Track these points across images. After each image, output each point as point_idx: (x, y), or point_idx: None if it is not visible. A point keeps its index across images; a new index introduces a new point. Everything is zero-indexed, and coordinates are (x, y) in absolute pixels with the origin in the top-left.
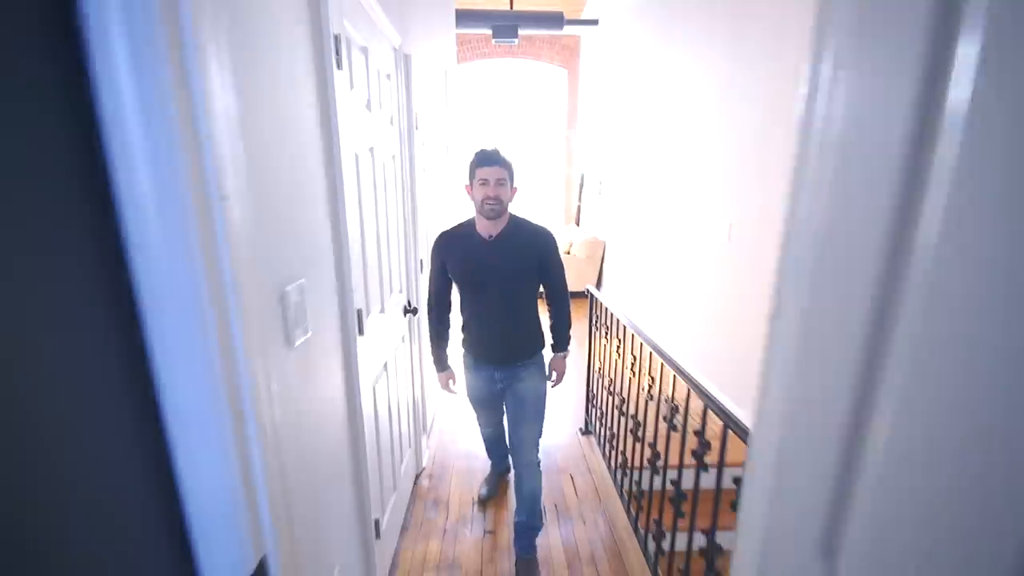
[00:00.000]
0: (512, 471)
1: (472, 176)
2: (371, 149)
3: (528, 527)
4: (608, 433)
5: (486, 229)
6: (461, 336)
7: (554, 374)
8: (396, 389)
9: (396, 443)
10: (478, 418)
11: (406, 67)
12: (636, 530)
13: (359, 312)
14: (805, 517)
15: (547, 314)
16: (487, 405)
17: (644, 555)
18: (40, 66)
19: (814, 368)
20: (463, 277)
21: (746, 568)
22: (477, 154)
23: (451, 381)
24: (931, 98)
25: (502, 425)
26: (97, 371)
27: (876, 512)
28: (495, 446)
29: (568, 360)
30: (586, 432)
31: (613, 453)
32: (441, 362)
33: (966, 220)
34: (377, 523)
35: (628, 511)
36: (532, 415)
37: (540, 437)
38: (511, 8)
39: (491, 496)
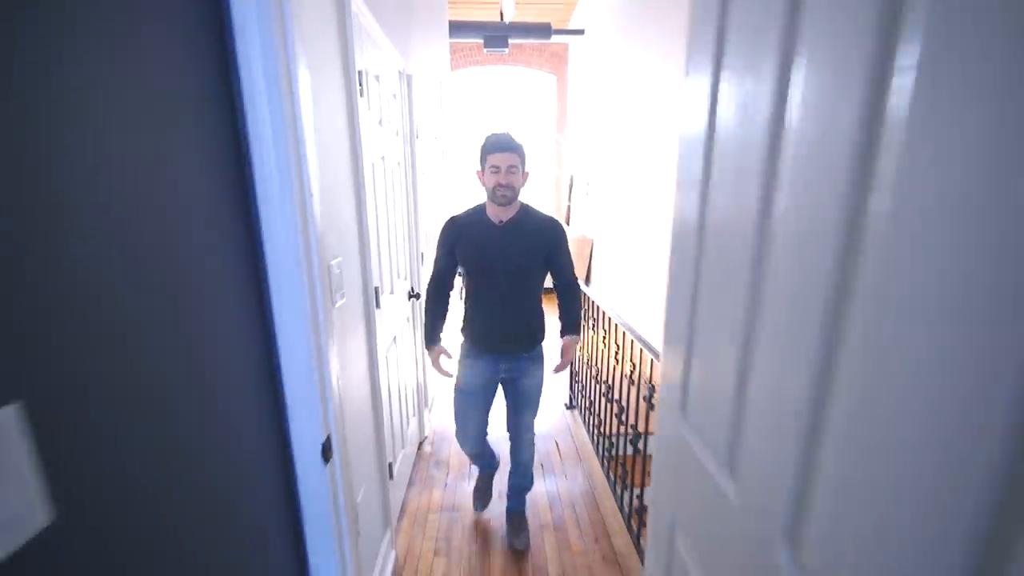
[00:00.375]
0: (501, 460)
1: (483, 162)
2: (383, 158)
3: (520, 487)
4: (589, 406)
5: (497, 214)
6: (463, 325)
7: (562, 357)
8: (402, 361)
9: (403, 407)
10: (462, 420)
11: (408, 87)
12: (611, 483)
13: (376, 289)
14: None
15: (556, 304)
16: (479, 396)
17: (616, 501)
18: (210, 97)
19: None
20: (472, 261)
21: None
22: (488, 139)
23: (443, 356)
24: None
25: (487, 421)
26: (243, 307)
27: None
28: (479, 453)
29: (553, 344)
30: (571, 407)
31: (593, 421)
32: (434, 337)
33: (803, 210)
34: (391, 466)
35: (604, 469)
36: (532, 403)
37: (535, 418)
38: (502, 19)
39: (486, 506)
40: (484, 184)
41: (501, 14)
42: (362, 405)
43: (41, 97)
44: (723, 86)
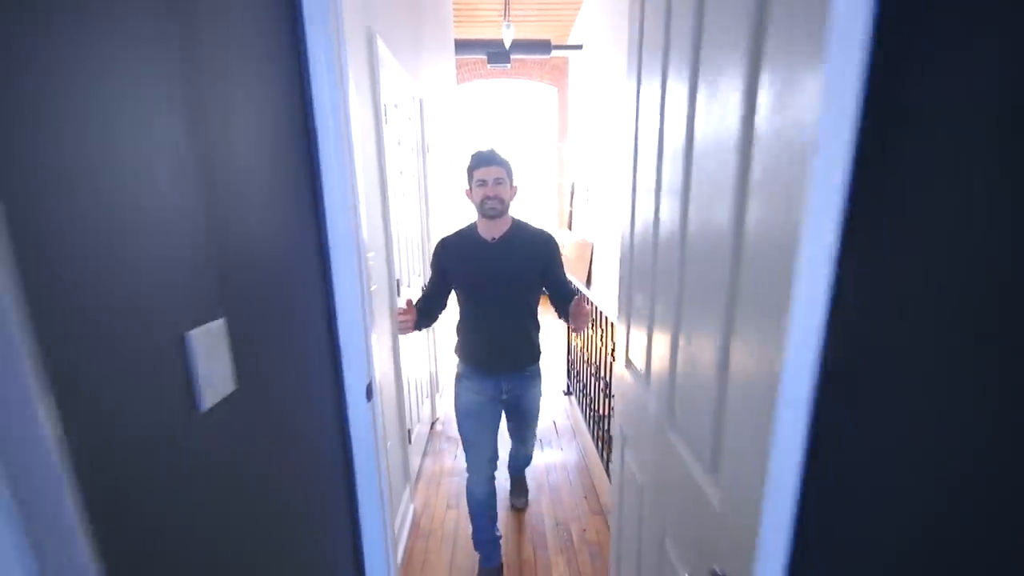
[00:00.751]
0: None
1: (470, 179)
2: (401, 172)
3: (520, 466)
4: (583, 390)
5: (488, 231)
6: (458, 347)
7: (579, 315)
8: (417, 348)
9: (418, 388)
10: (473, 438)
11: (421, 109)
12: (600, 453)
13: (397, 281)
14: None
15: (554, 315)
16: (485, 420)
17: (604, 467)
18: (298, 134)
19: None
20: (466, 280)
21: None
22: (473, 156)
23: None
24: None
25: (496, 450)
26: (317, 280)
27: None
28: (486, 507)
29: (551, 339)
30: (568, 393)
31: (586, 402)
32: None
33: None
34: (409, 432)
35: (596, 443)
36: (533, 419)
37: (535, 429)
38: (503, 47)
39: None
40: (473, 200)
41: (500, 48)
42: (387, 374)
43: (230, 134)
44: (643, 102)
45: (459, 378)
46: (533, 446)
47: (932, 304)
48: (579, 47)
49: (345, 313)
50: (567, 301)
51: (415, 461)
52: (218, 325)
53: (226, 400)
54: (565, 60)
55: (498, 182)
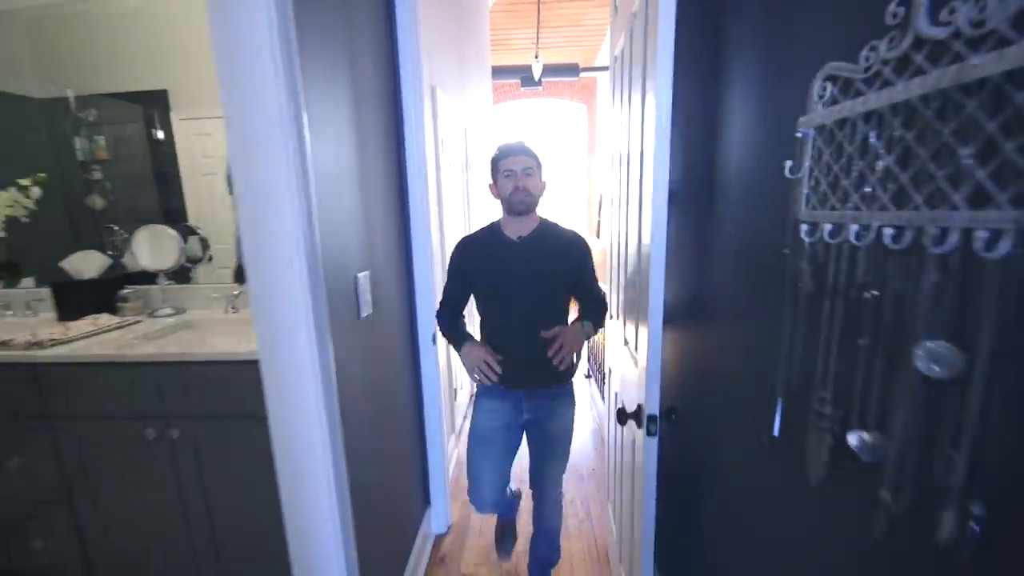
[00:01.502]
0: (519, 507)
1: (495, 171)
2: (449, 185)
3: (546, 561)
4: (604, 378)
5: (514, 229)
6: None
7: (565, 334)
8: None
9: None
10: (476, 471)
11: (465, 136)
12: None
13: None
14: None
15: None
16: (497, 444)
17: None
18: (397, 167)
19: None
20: (488, 282)
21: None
22: (499, 148)
23: (483, 353)
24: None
25: (507, 475)
26: (403, 255)
27: None
28: (493, 508)
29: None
30: (588, 376)
31: (607, 389)
32: (462, 337)
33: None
34: (455, 391)
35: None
36: (562, 453)
37: (564, 472)
38: (534, 80)
39: (511, 552)
40: (499, 195)
41: (532, 75)
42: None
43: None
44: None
45: (476, 398)
46: (560, 496)
47: (687, 293)
48: (605, 68)
49: (420, 282)
50: (599, 314)
51: (457, 420)
52: (366, 274)
53: (369, 315)
54: (594, 80)
55: (527, 172)
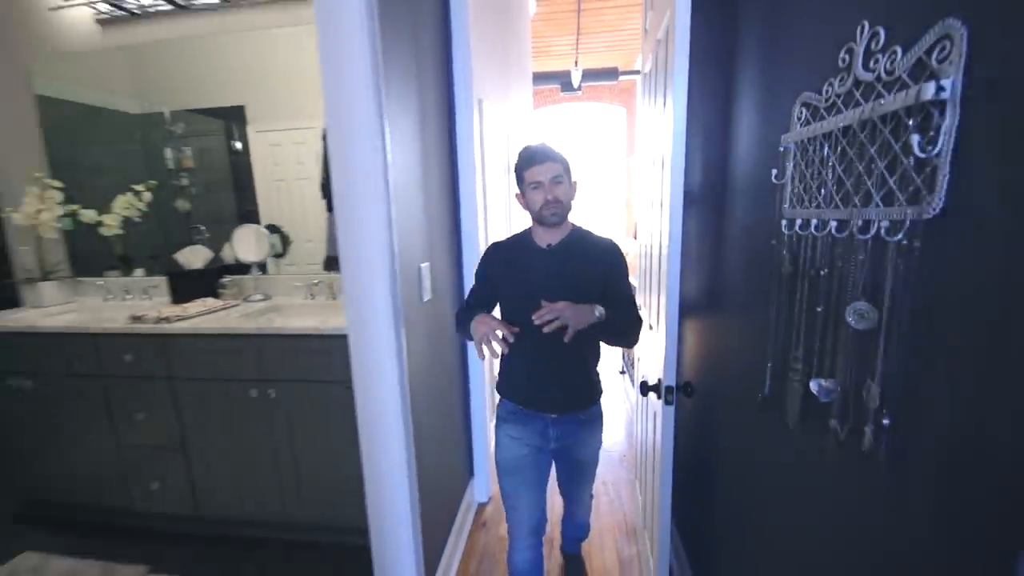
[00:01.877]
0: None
1: (521, 181)
2: (492, 187)
3: (576, 537)
4: (638, 373)
5: (544, 238)
6: (500, 380)
7: (569, 308)
8: None
9: None
10: (513, 501)
11: (508, 141)
12: None
13: None
14: None
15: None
16: (529, 470)
17: None
18: (450, 176)
19: None
20: (512, 291)
21: None
22: (522, 154)
23: (496, 323)
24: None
25: (545, 514)
26: (455, 248)
27: None
28: (535, 540)
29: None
30: (622, 372)
31: (636, 378)
32: (470, 315)
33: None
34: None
35: None
36: (590, 478)
37: (594, 482)
38: (573, 86)
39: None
40: (528, 207)
41: (571, 81)
42: None
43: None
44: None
45: (499, 422)
46: (590, 510)
47: (704, 285)
48: None
49: (468, 274)
50: (626, 315)
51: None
52: (427, 265)
53: (429, 300)
54: (633, 82)
55: (556, 181)
